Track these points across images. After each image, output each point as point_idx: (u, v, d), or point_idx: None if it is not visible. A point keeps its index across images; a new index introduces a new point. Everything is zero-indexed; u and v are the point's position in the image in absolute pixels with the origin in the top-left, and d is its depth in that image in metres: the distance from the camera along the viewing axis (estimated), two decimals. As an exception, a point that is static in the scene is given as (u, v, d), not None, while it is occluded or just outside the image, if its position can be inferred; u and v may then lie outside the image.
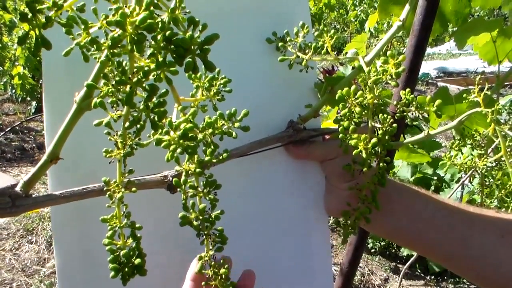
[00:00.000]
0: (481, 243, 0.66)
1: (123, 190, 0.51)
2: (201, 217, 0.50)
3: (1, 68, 5.79)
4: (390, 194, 0.69)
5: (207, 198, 0.51)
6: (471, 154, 0.88)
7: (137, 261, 0.50)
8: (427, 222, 0.70)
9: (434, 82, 7.83)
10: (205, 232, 0.51)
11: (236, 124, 0.53)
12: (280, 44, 0.73)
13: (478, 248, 0.66)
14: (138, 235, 0.52)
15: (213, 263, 0.53)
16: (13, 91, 5.59)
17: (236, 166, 0.68)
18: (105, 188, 0.51)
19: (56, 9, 0.44)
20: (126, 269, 0.50)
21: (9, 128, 4.92)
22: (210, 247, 0.52)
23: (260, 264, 0.75)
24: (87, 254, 0.69)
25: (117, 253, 0.50)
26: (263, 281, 0.69)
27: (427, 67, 8.62)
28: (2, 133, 4.68)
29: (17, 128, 5.06)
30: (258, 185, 0.77)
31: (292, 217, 0.79)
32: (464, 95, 0.78)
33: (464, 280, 2.75)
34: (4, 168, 4.15)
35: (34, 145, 4.80)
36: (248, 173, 0.75)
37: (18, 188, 0.51)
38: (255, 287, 0.63)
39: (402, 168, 3.14)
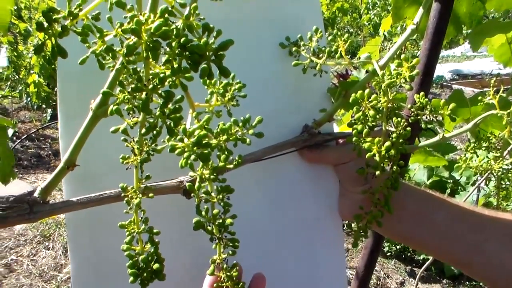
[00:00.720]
0: (495, 249, 0.65)
1: (140, 196, 0.51)
2: (215, 222, 0.51)
3: (17, 76, 5.86)
4: (400, 199, 0.69)
5: (221, 203, 0.51)
6: (487, 157, 0.87)
7: (156, 266, 0.50)
8: (437, 229, 0.69)
9: (449, 84, 7.79)
10: (218, 236, 0.51)
11: (250, 131, 0.53)
12: (294, 49, 0.73)
13: (491, 254, 0.65)
14: (156, 240, 0.52)
15: (225, 266, 0.53)
16: (29, 99, 5.65)
17: (249, 170, 0.68)
18: (122, 194, 0.52)
19: (71, 18, 0.45)
20: (145, 274, 0.50)
21: (25, 136, 4.97)
22: (222, 251, 0.53)
23: (272, 268, 0.75)
24: (102, 259, 0.69)
25: (136, 259, 0.51)
26: (275, 285, 0.69)
27: (442, 69, 8.57)
28: (18, 141, 4.73)
29: (33, 135, 5.11)
30: (271, 188, 0.77)
31: (305, 220, 0.79)
32: (479, 98, 0.78)
33: (481, 284, 2.72)
34: (20, 175, 4.19)
35: (50, 152, 4.85)
36: (261, 177, 0.75)
37: (35, 195, 0.52)
38: None
39: (418, 171, 3.13)
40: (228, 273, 0.54)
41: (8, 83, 6.14)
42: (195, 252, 0.71)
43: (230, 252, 0.52)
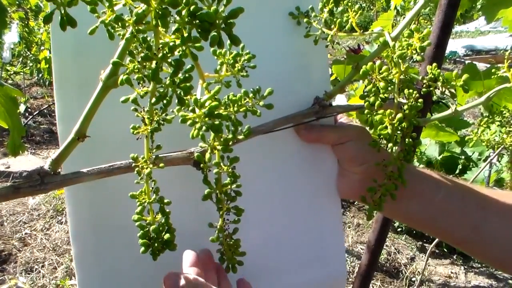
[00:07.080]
0: (493, 228, 0.66)
1: (151, 166, 0.51)
2: (223, 192, 0.51)
3: (28, 53, 5.87)
4: None
5: (229, 174, 0.51)
6: (500, 132, 0.87)
7: (167, 236, 0.51)
8: (438, 208, 0.69)
9: (462, 60, 7.69)
10: (225, 206, 0.52)
11: (261, 102, 0.53)
12: (305, 20, 0.72)
13: (490, 233, 0.66)
14: (167, 210, 0.52)
15: (226, 232, 0.55)
16: (40, 75, 5.67)
17: (250, 147, 0.67)
18: (133, 164, 0.52)
19: (81, -13, 0.44)
20: (156, 244, 0.51)
21: (37, 112, 5.00)
22: (226, 221, 0.54)
23: (271, 244, 0.76)
24: (103, 234, 0.70)
25: (147, 229, 0.51)
26: (274, 261, 0.69)
27: (455, 45, 8.45)
28: (30, 117, 4.76)
29: (45, 111, 5.14)
30: (271, 166, 0.77)
31: (304, 198, 0.79)
32: (493, 71, 0.77)
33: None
34: (33, 151, 4.23)
35: (62, 127, 4.87)
36: (261, 155, 0.75)
37: (46, 166, 0.52)
38: None
39: (430, 146, 3.12)
40: (228, 240, 0.55)
41: (20, 59, 6.15)
42: (198, 222, 0.71)
43: (234, 219, 0.53)
